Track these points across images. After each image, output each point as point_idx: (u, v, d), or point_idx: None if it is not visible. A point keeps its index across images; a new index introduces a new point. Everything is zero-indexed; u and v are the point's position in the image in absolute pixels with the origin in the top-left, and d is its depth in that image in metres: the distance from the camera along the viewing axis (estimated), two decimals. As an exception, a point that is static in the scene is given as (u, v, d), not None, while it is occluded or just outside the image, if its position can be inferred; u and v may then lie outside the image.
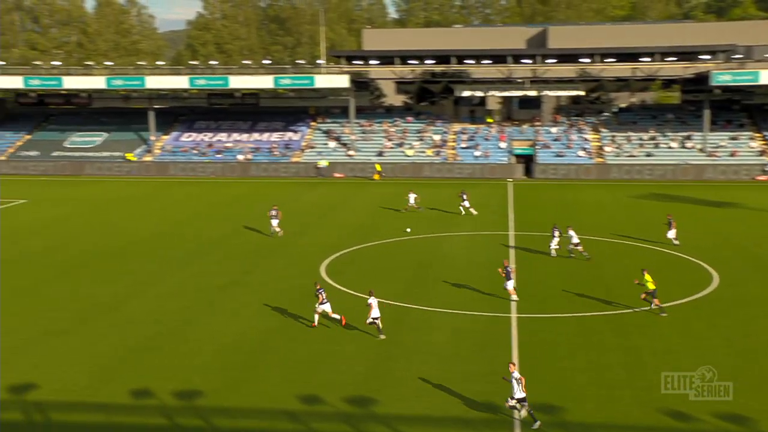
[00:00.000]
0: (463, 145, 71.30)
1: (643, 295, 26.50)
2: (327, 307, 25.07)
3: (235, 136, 77.04)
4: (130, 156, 73.92)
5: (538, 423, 17.84)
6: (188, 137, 77.56)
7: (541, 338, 23.97)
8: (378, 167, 67.41)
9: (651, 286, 26.11)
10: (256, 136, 76.70)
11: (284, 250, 37.45)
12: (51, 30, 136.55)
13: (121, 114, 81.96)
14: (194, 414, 18.96)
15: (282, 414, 18.87)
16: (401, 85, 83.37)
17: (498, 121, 76.55)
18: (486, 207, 49.46)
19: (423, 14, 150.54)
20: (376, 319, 23.95)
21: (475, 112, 77.41)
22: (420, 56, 71.77)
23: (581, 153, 68.68)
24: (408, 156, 70.20)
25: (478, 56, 70.87)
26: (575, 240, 34.34)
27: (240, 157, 72.30)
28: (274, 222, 40.59)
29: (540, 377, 20.44)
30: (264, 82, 71.41)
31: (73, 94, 78.47)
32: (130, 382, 20.69)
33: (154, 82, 72.06)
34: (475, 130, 74.04)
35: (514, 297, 27.74)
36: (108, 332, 25.00)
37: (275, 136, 76.25)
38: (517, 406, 18.04)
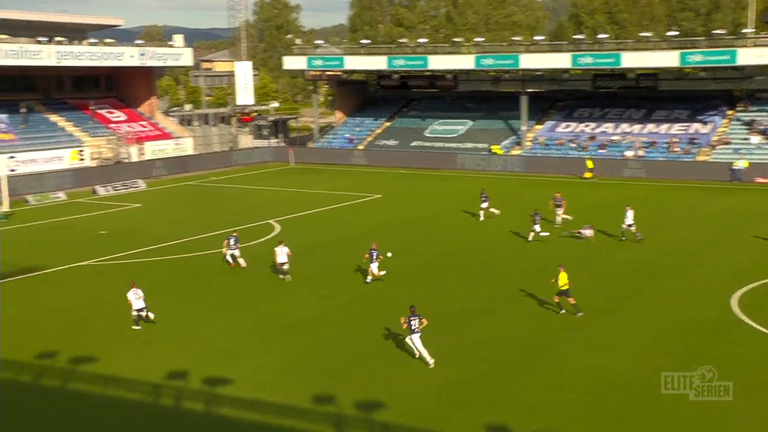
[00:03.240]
0: None
1: (556, 298, 30.17)
2: (236, 252, 37.86)
3: (624, 127, 76.66)
4: (496, 148, 77.38)
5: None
6: (566, 127, 78.98)
7: None
8: (589, 164, 66.30)
9: (563, 285, 29.48)
10: (651, 127, 75.53)
11: (679, 273, 36.44)
12: (419, 2, 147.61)
13: (488, 99, 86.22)
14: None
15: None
16: None
17: None
18: None
19: None
20: (283, 264, 35.19)
21: None
22: None
23: None
24: None
25: None
26: (629, 221, 41.31)
27: (628, 153, 71.67)
28: (484, 205, 49.82)
29: None
30: (667, 59, 69.87)
31: (437, 76, 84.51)
32: (485, 413, 21.78)
33: (529, 61, 74.57)
34: None
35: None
36: (457, 352, 26.60)
37: (676, 128, 74.29)
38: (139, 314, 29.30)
